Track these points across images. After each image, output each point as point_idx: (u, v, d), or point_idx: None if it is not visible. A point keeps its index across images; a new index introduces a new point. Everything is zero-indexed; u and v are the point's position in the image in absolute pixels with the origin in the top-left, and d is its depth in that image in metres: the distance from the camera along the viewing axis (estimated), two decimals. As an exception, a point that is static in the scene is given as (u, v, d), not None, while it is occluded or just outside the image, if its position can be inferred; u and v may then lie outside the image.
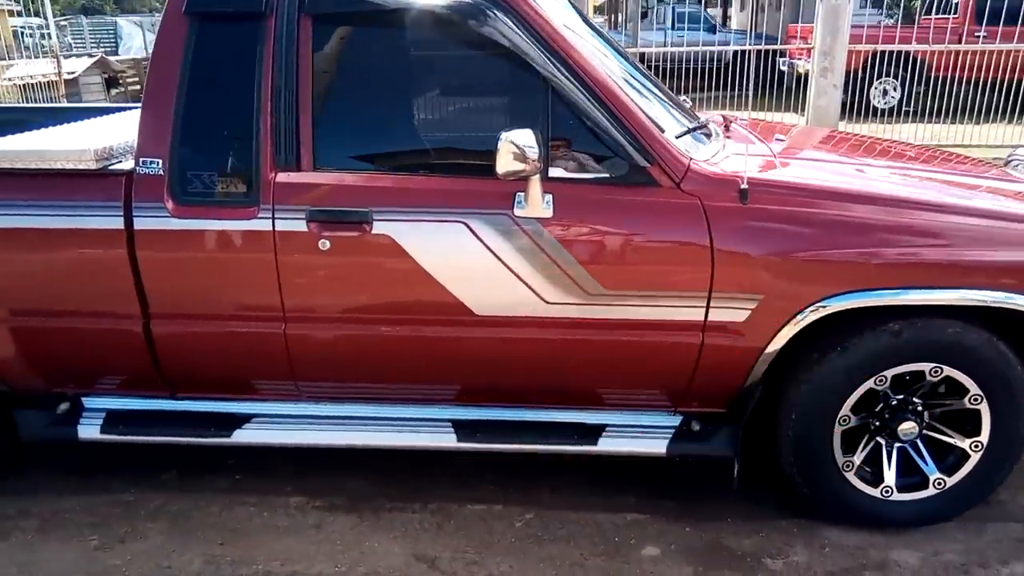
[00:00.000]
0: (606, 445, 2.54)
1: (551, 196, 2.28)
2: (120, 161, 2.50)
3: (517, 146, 2.12)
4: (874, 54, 9.77)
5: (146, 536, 2.59)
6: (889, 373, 2.37)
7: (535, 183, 2.23)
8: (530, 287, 2.34)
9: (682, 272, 2.31)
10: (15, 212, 2.42)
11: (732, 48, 9.13)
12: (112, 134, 2.62)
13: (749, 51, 8.82)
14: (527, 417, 2.61)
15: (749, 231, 2.28)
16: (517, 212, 2.29)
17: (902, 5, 13.11)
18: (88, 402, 2.73)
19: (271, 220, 2.35)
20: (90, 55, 13.05)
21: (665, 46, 11.38)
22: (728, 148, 2.61)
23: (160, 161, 2.37)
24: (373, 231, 2.33)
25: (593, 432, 2.56)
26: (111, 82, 13.65)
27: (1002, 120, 8.69)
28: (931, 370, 2.36)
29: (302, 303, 2.42)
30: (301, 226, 2.34)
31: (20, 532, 2.63)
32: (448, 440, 2.57)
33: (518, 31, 2.28)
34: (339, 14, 2.35)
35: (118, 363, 2.61)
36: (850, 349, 2.35)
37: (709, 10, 19.67)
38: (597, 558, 2.45)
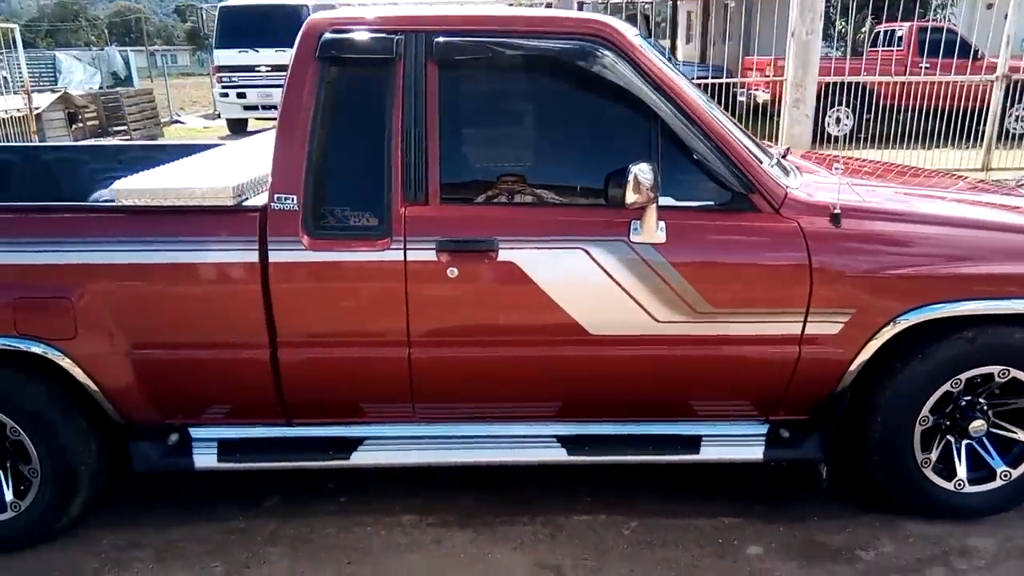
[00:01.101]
0: (708, 453, 2.74)
1: (663, 223, 2.49)
2: (248, 197, 2.62)
3: (640, 178, 2.33)
4: (828, 84, 10.35)
5: (270, 560, 2.66)
6: (963, 376, 2.64)
7: (652, 211, 2.44)
8: (643, 307, 2.53)
9: (783, 290, 2.54)
10: (148, 248, 2.50)
11: (709, 80, 9.55)
12: (235, 171, 2.73)
13: (710, 82, 9.33)
14: (625, 431, 2.79)
15: (843, 251, 2.52)
16: (633, 238, 2.49)
17: (849, 38, 13.89)
18: (195, 432, 2.80)
19: (403, 251, 2.50)
20: (52, 91, 12.83)
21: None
22: (806, 176, 2.87)
23: (294, 197, 2.50)
24: (499, 258, 2.50)
25: (691, 442, 2.75)
26: (72, 117, 13.46)
27: (946, 145, 9.32)
28: (999, 372, 2.64)
29: (428, 328, 2.56)
30: (431, 256, 2.50)
31: (139, 563, 2.67)
32: (558, 455, 2.73)
33: (627, 70, 2.50)
34: (462, 60, 2.52)
35: (240, 392, 2.69)
36: (929, 356, 2.61)
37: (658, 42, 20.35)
38: (708, 559, 2.64)
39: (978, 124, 9.67)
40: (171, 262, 2.51)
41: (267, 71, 15.33)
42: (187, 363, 2.62)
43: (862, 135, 10.59)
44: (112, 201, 2.57)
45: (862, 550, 2.68)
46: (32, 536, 2.77)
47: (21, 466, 2.72)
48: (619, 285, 2.51)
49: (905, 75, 10.27)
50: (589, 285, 2.52)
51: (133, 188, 2.54)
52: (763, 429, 2.80)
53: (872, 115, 10.34)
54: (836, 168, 2.75)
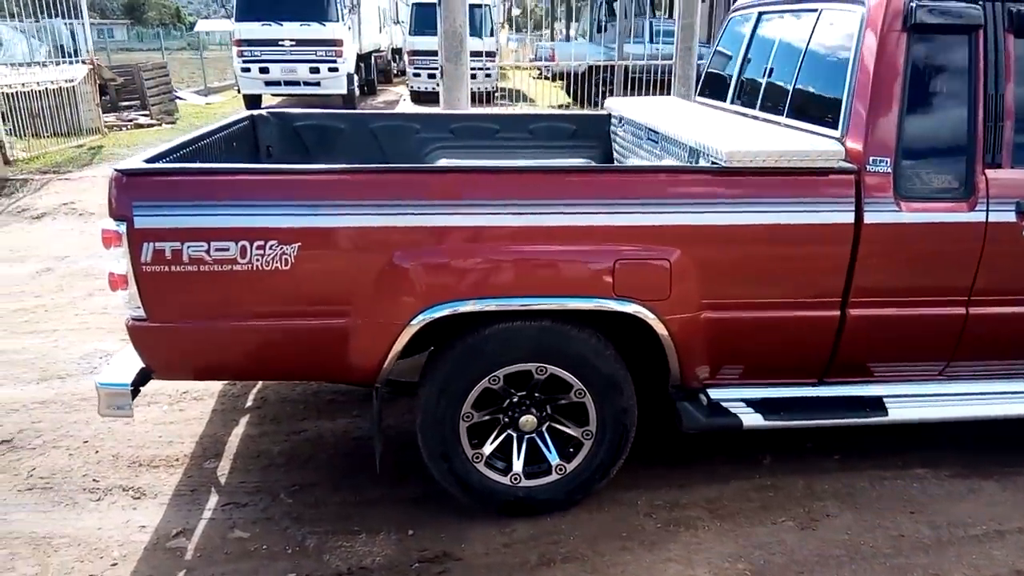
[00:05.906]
0: None
1: None
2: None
3: None
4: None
5: (829, 513, 2.75)
6: None
7: None
8: None
9: None
10: (747, 209, 2.52)
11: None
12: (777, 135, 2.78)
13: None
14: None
15: None
16: None
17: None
18: (716, 393, 2.84)
19: (985, 212, 2.61)
20: (83, 62, 12.10)
21: (656, 58, 12.26)
22: None
23: (887, 160, 2.58)
24: (1074, 220, 2.64)
25: None
26: (102, 89, 12.85)
27: None
28: None
29: (990, 286, 2.69)
30: (1011, 216, 2.62)
31: (700, 521, 2.72)
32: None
33: None
34: (1034, 30, 2.64)
35: (795, 350, 2.75)
36: None
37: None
38: None
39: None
40: (768, 223, 2.54)
41: (291, 45, 14.90)
42: (754, 323, 2.66)
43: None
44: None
45: None
46: (572, 498, 2.78)
47: (571, 429, 2.72)
48: None
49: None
50: None
51: (749, 150, 2.54)
52: None
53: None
54: None
